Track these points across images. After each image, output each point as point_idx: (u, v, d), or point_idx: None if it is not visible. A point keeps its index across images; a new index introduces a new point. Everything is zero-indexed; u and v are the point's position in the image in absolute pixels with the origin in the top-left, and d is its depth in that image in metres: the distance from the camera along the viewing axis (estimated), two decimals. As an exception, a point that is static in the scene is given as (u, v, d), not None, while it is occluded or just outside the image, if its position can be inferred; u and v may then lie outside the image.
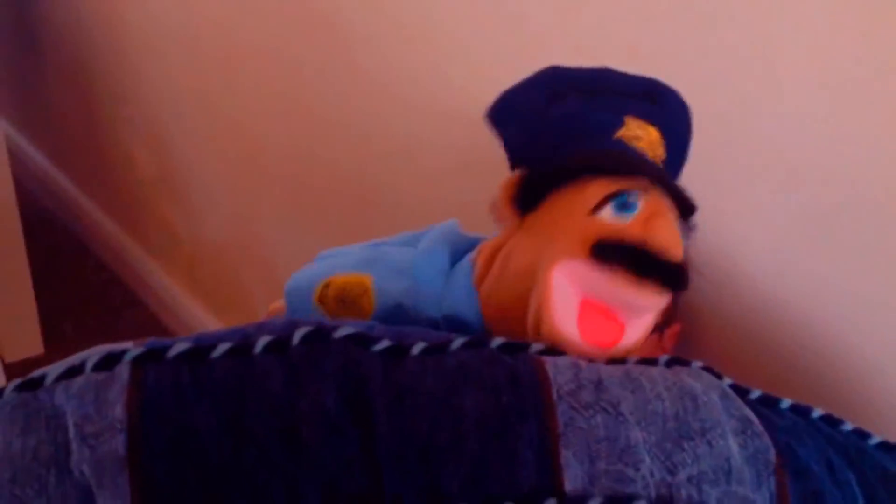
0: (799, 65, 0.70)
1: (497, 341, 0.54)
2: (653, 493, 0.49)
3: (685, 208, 0.60)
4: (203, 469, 0.46)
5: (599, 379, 0.52)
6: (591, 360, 0.55)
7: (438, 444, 0.49)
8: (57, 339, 1.95)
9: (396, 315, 0.64)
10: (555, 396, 0.50)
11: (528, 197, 0.61)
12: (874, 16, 0.65)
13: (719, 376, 0.56)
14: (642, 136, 0.61)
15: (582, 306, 0.56)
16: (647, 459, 0.49)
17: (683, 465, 0.50)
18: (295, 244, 1.51)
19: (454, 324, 0.62)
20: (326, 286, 0.67)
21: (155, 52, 1.70)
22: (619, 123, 0.60)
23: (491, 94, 0.66)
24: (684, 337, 0.82)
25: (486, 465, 0.48)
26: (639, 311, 0.58)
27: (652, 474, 0.49)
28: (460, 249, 0.67)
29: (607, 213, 0.56)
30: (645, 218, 0.56)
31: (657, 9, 0.78)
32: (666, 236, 0.55)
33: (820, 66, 0.69)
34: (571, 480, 0.48)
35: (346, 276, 0.67)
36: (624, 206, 0.56)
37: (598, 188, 0.57)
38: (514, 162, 0.66)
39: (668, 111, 0.64)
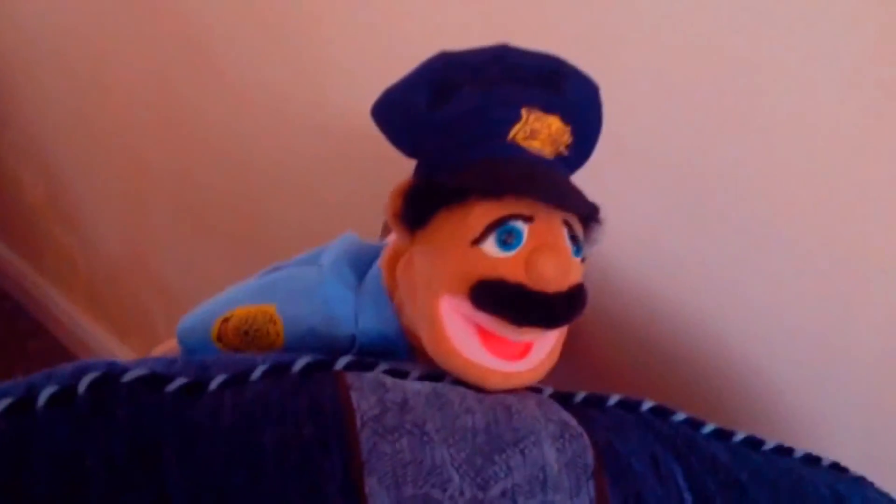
0: (669, 54, 0.68)
1: (300, 363, 0.51)
2: (463, 513, 0.47)
3: (584, 214, 0.56)
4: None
5: (405, 399, 0.50)
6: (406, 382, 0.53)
7: (235, 485, 0.46)
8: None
9: (309, 339, 0.61)
10: (358, 424, 0.48)
11: (414, 214, 0.57)
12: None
13: (538, 390, 0.55)
14: (540, 129, 0.56)
15: (479, 331, 0.54)
16: (456, 478, 0.48)
17: (496, 479, 0.48)
18: (187, 260, 1.48)
19: (373, 339, 0.60)
20: (226, 321, 0.63)
21: (31, 75, 1.65)
22: (515, 119, 0.55)
23: (368, 103, 0.62)
24: (570, 338, 0.81)
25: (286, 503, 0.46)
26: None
27: (462, 493, 0.47)
28: (364, 260, 0.64)
29: (489, 245, 0.53)
30: (529, 251, 0.52)
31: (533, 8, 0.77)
32: (549, 270, 0.52)
33: (687, 54, 0.67)
34: (377, 509, 0.46)
35: (246, 308, 0.62)
36: (506, 242, 0.52)
37: (481, 213, 0.53)
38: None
39: (571, 94, 0.58)
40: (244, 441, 0.47)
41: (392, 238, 0.62)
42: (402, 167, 0.61)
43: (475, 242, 0.53)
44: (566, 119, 0.57)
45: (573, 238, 0.55)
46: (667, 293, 0.77)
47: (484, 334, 0.54)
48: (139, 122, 1.40)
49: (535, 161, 0.56)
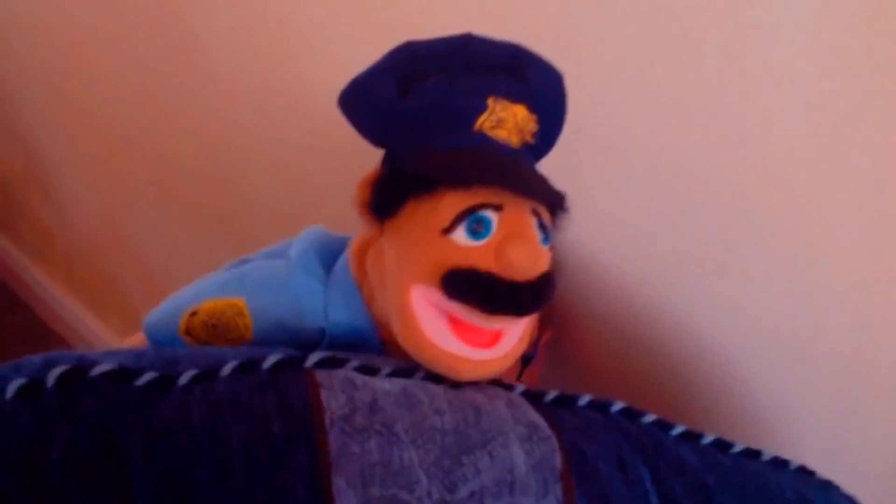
0: (663, 63, 0.68)
1: (271, 359, 0.51)
2: (430, 515, 0.47)
3: (551, 203, 0.57)
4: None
5: (374, 399, 0.50)
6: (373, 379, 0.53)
7: (201, 482, 0.46)
8: (-66, 350, 1.88)
9: (278, 332, 0.60)
10: (327, 422, 0.48)
11: (383, 203, 0.57)
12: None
13: (509, 387, 0.55)
14: (506, 118, 0.57)
15: (450, 320, 0.54)
16: (424, 479, 0.48)
17: (464, 481, 0.48)
18: (165, 240, 1.47)
19: (343, 332, 0.60)
20: (193, 314, 0.62)
21: (11, 49, 1.62)
22: (481, 108, 0.56)
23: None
24: (558, 341, 0.82)
25: (252, 501, 0.46)
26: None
27: (429, 494, 0.47)
28: (331, 252, 0.64)
29: (460, 235, 0.53)
30: (499, 241, 0.53)
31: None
32: (519, 259, 0.52)
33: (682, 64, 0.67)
34: (344, 509, 0.46)
35: (214, 301, 0.62)
36: (476, 231, 0.53)
37: (450, 203, 0.54)
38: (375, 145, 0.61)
39: (535, 82, 0.59)
40: (211, 437, 0.47)
41: (360, 229, 0.61)
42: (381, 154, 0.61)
43: (445, 232, 0.53)
44: (532, 107, 0.58)
45: (542, 226, 0.56)
46: (644, 290, 0.77)
47: (455, 323, 0.54)
48: (119, 100, 1.38)
49: (501, 150, 0.56)
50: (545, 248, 0.56)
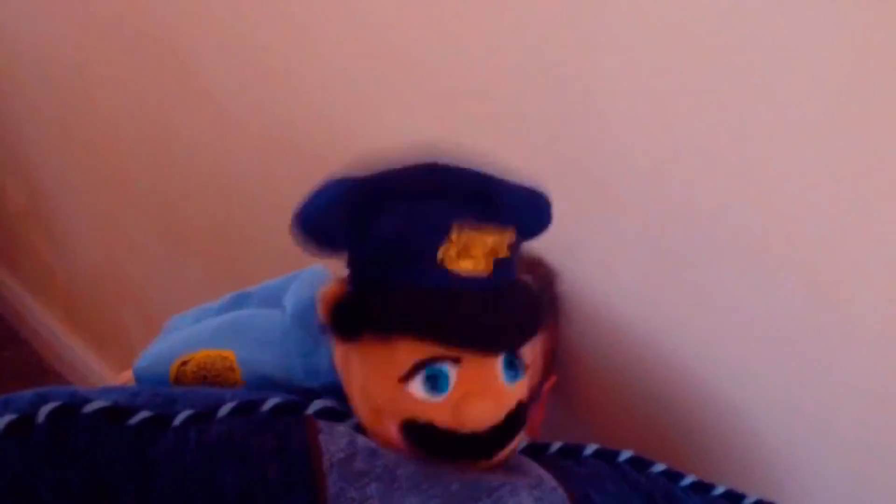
0: (663, 106, 0.67)
1: (271, 402, 0.50)
2: (429, 566, 0.45)
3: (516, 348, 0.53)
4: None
5: (377, 444, 0.48)
6: None
7: (194, 527, 0.44)
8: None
9: (267, 388, 0.57)
10: (325, 466, 0.47)
11: (342, 328, 0.53)
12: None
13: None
14: (473, 246, 0.52)
15: None
16: (426, 529, 0.46)
17: (469, 531, 0.47)
18: (166, 277, 1.46)
19: (333, 392, 0.56)
20: (184, 363, 0.61)
21: (16, 86, 1.63)
22: (442, 241, 0.51)
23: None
24: (561, 387, 0.80)
25: (246, 547, 0.44)
26: None
27: (431, 544, 0.46)
28: None
29: (417, 387, 0.50)
30: (457, 399, 0.50)
31: (508, 45, 0.75)
32: (479, 418, 0.50)
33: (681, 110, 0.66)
34: (340, 557, 0.45)
35: (206, 352, 0.61)
36: (434, 386, 0.50)
37: (407, 352, 0.50)
38: None
39: (508, 205, 0.54)
40: (205, 480, 0.46)
41: None
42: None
43: (402, 380, 0.50)
44: (505, 222, 0.54)
45: (510, 363, 0.52)
46: (650, 335, 0.76)
47: None
48: (123, 139, 1.39)
49: (466, 288, 0.52)
50: (512, 388, 0.52)
